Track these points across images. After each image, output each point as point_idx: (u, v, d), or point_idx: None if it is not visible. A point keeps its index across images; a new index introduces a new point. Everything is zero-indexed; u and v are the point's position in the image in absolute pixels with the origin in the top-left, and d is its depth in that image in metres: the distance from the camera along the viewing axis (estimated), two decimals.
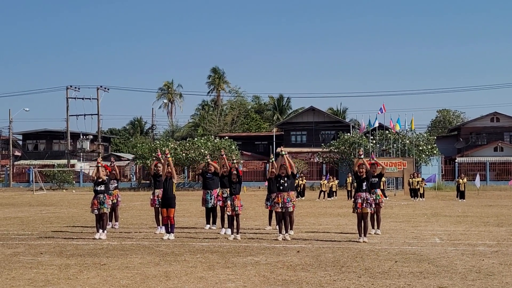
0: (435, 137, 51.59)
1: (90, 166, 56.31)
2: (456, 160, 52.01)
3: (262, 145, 64.35)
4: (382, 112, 41.52)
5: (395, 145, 44.30)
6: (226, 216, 13.25)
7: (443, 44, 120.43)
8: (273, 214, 13.87)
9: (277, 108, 76.05)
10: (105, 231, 12.90)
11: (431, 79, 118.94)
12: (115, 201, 14.82)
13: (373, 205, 12.36)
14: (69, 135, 57.81)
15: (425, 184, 31.54)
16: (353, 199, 12.34)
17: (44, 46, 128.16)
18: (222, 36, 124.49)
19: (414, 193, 30.92)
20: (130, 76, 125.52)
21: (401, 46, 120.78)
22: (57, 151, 66.15)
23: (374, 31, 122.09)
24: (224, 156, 14.02)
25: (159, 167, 13.60)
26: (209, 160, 15.01)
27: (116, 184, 15.08)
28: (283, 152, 12.72)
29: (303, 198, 31.85)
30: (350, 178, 31.43)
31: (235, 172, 12.74)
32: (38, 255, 10.31)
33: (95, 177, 13.09)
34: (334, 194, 32.80)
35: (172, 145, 49.57)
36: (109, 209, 13.12)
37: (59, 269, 8.86)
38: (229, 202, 12.58)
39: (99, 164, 13.29)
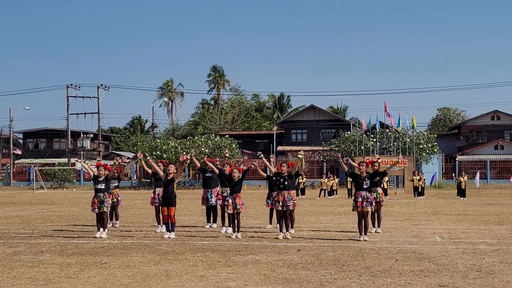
0: (436, 135, 51.54)
1: (90, 165, 56.24)
2: (456, 158, 52.00)
3: (262, 144, 64.32)
4: (390, 116, 40.85)
5: (395, 143, 44.29)
6: (226, 215, 13.25)
7: (444, 42, 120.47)
8: (274, 212, 13.89)
9: (277, 107, 76.04)
10: (106, 230, 12.90)
11: (431, 77, 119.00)
12: (115, 200, 14.84)
13: (374, 204, 12.37)
14: (69, 133, 57.81)
15: (423, 182, 31.48)
16: (353, 197, 12.34)
17: (44, 45, 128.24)
18: (222, 34, 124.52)
19: (415, 190, 31.09)
20: (131, 74, 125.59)
21: (402, 44, 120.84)
22: (58, 149, 66.20)
23: (374, 28, 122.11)
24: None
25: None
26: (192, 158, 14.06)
27: (116, 183, 15.11)
28: (300, 155, 12.71)
29: (303, 196, 31.85)
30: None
31: (236, 171, 12.72)
32: (39, 254, 10.31)
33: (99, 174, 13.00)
34: (335, 192, 32.81)
35: (172, 144, 49.59)
36: (109, 208, 13.12)
37: (60, 268, 8.86)
38: (230, 200, 12.58)
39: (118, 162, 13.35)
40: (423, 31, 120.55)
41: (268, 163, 13.30)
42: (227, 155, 15.68)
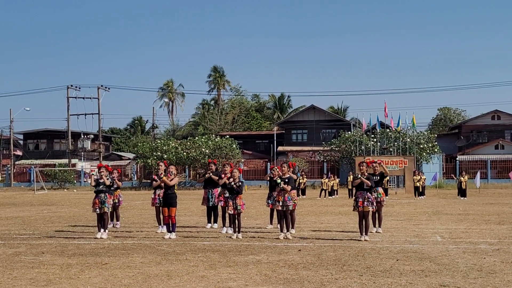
0: (436, 135, 51.54)
1: (91, 166, 56.29)
2: (457, 158, 51.99)
3: (263, 144, 64.35)
4: (387, 117, 40.85)
5: (395, 143, 44.28)
6: (227, 215, 13.26)
7: (444, 41, 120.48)
8: (274, 212, 13.89)
9: (277, 107, 76.06)
10: (107, 231, 12.91)
11: (432, 77, 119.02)
12: (116, 200, 14.84)
13: (374, 204, 12.37)
14: (70, 134, 57.79)
15: (423, 182, 31.43)
16: (354, 197, 12.35)
17: (44, 46, 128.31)
18: (223, 34, 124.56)
19: (415, 190, 31.09)
20: (131, 75, 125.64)
21: (402, 43, 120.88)
22: (58, 150, 66.17)
23: (375, 28, 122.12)
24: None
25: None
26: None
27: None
28: (278, 181, 12.58)
29: (304, 196, 31.84)
30: (351, 176, 31.43)
31: (236, 171, 12.69)
32: (39, 255, 10.32)
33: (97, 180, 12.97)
34: (335, 192, 32.80)
35: (173, 144, 49.61)
36: (110, 208, 13.12)
37: (60, 269, 8.86)
38: (231, 201, 12.58)
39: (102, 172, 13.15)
40: (423, 31, 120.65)
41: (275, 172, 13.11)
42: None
